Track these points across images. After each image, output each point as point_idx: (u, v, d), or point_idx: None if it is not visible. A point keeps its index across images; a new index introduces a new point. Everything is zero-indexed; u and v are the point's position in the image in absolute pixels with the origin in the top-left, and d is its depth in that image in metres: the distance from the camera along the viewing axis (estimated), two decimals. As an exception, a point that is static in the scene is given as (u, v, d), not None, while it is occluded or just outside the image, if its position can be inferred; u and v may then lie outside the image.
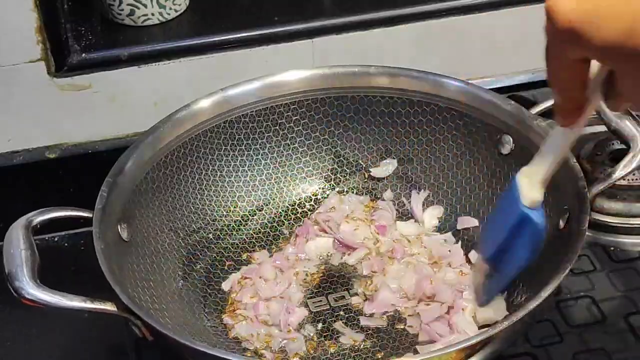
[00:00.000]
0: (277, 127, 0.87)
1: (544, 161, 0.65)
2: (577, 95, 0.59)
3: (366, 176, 0.89)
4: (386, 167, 0.88)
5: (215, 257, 0.84)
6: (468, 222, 0.84)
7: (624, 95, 0.58)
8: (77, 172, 0.92)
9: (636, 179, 0.88)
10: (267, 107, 0.86)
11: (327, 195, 0.88)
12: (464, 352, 0.63)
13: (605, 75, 0.59)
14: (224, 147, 0.85)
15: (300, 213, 0.88)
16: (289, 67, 0.87)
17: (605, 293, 0.81)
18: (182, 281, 0.80)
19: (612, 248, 0.85)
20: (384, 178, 0.88)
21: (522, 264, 0.66)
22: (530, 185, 0.65)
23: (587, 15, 0.53)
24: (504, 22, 0.98)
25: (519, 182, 0.65)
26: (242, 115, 0.85)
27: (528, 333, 0.76)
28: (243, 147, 0.86)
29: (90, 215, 0.72)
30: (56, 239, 0.91)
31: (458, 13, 0.96)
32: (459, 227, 0.84)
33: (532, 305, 0.64)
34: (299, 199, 0.88)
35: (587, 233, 0.70)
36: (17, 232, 0.69)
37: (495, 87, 0.97)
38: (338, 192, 0.88)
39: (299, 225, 0.86)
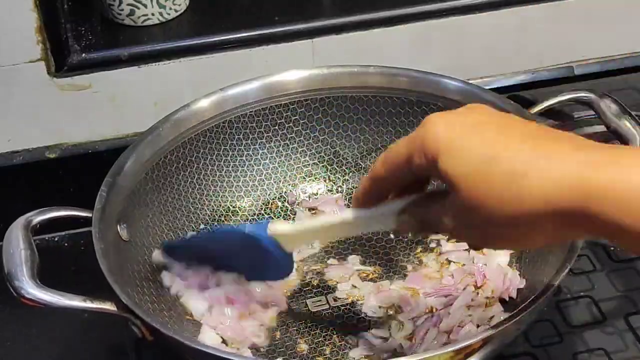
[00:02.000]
0: (276, 127, 0.87)
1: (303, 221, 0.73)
2: (389, 189, 0.63)
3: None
4: None
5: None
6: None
7: (430, 227, 0.62)
8: (77, 172, 0.92)
9: (636, 179, 0.88)
10: (267, 107, 0.86)
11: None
12: (463, 351, 0.63)
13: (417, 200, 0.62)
14: (223, 147, 0.85)
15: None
16: (289, 67, 0.87)
17: (605, 293, 0.81)
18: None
19: (612, 248, 0.85)
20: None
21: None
22: (282, 224, 0.71)
23: (454, 143, 0.56)
24: (504, 22, 0.98)
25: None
26: (242, 115, 0.85)
27: (528, 333, 0.76)
28: (242, 147, 0.86)
29: (90, 215, 0.72)
30: (56, 239, 0.91)
31: (458, 13, 0.96)
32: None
33: (532, 305, 0.64)
34: (299, 199, 0.88)
35: (587, 233, 0.70)
36: (16, 231, 0.69)
37: (495, 87, 0.97)
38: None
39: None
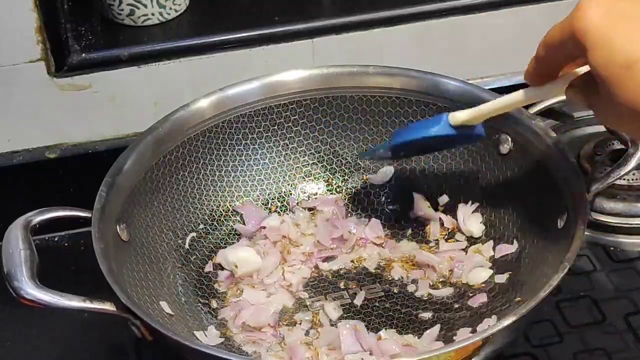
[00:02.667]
0: (275, 127, 0.87)
1: (486, 105, 0.74)
2: (554, 68, 0.64)
3: (365, 179, 0.89)
4: (383, 174, 0.88)
5: (214, 256, 0.83)
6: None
7: (590, 106, 0.62)
8: (77, 172, 0.92)
9: (636, 179, 0.88)
10: (266, 107, 0.86)
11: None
12: (463, 351, 0.63)
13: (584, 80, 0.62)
14: (222, 147, 0.85)
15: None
16: (289, 67, 0.87)
17: (605, 293, 0.81)
18: (180, 281, 0.80)
19: (612, 248, 0.85)
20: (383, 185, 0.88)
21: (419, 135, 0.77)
22: (461, 113, 0.74)
23: (601, 36, 0.55)
24: (504, 22, 0.98)
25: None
26: (241, 115, 0.85)
27: (528, 333, 0.76)
28: (242, 147, 0.86)
29: (90, 215, 0.72)
30: (56, 239, 0.91)
31: (458, 13, 0.96)
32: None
33: (531, 304, 0.64)
34: (298, 199, 0.88)
35: (586, 233, 0.70)
36: (16, 232, 0.69)
37: (494, 87, 0.97)
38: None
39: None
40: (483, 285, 0.79)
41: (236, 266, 0.81)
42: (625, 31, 0.55)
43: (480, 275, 0.79)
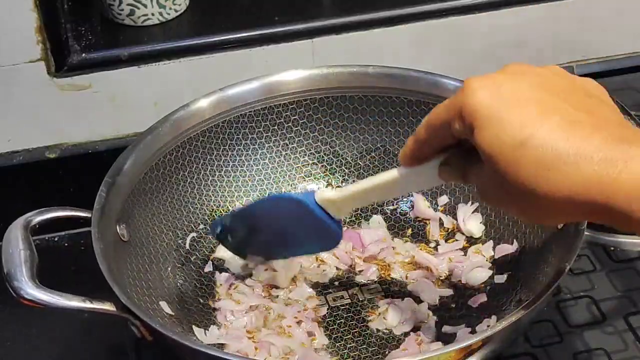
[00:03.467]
0: (275, 127, 0.87)
1: (352, 186, 0.70)
2: (433, 150, 0.63)
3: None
4: None
5: (215, 257, 0.83)
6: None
7: (467, 182, 0.62)
8: (77, 172, 0.92)
9: (636, 179, 0.88)
10: (266, 107, 0.86)
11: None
12: (463, 351, 0.63)
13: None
14: (222, 147, 0.85)
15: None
16: (289, 67, 0.87)
17: (605, 293, 0.81)
18: (181, 281, 0.80)
19: (612, 248, 0.85)
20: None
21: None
22: (330, 191, 0.72)
23: (492, 115, 0.55)
24: (504, 22, 0.98)
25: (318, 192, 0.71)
26: (241, 115, 0.85)
27: (528, 333, 0.76)
28: (241, 147, 0.86)
29: (89, 215, 0.72)
30: (56, 239, 0.91)
31: (458, 13, 0.96)
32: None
33: (531, 305, 0.64)
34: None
35: (587, 233, 0.70)
36: (15, 232, 0.69)
37: (495, 87, 0.97)
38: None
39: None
40: (483, 285, 0.79)
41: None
42: (514, 110, 0.55)
43: (480, 275, 0.79)
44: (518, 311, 0.64)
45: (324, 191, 0.72)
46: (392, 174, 0.66)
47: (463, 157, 0.62)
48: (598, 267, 0.84)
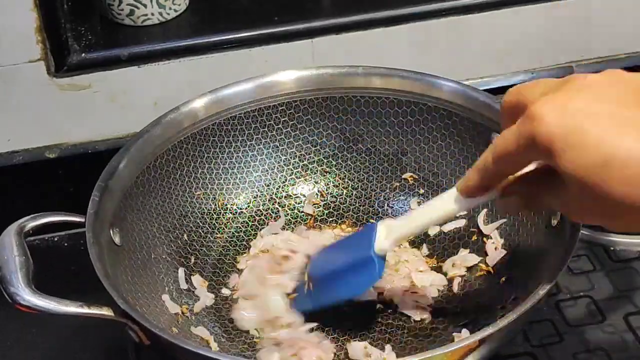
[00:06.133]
0: (269, 128, 0.86)
1: (411, 222, 0.70)
2: (499, 180, 0.63)
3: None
4: None
5: (208, 260, 0.83)
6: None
7: (554, 207, 0.62)
8: (77, 172, 0.92)
9: (636, 179, 0.88)
10: (260, 108, 0.85)
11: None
12: (461, 351, 0.63)
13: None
14: (215, 149, 0.85)
15: (292, 215, 0.87)
16: (289, 67, 0.87)
17: (605, 293, 0.81)
18: (177, 283, 0.80)
19: (612, 248, 0.85)
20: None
21: (343, 297, 0.73)
22: (386, 236, 0.70)
23: (568, 138, 0.55)
24: (504, 22, 0.98)
25: (378, 228, 0.70)
26: (234, 116, 0.84)
27: (528, 333, 0.76)
28: (235, 149, 0.86)
29: (83, 220, 0.72)
30: (56, 239, 0.91)
31: (458, 13, 0.96)
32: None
33: (528, 304, 0.64)
34: (292, 201, 0.88)
35: (586, 233, 0.70)
36: (9, 238, 0.68)
37: (494, 87, 0.97)
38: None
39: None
40: (481, 285, 0.79)
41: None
42: (588, 129, 0.54)
43: (477, 275, 0.79)
44: (515, 311, 0.64)
45: (381, 242, 0.70)
46: (449, 206, 0.66)
47: (528, 182, 0.62)
48: (598, 267, 0.83)
